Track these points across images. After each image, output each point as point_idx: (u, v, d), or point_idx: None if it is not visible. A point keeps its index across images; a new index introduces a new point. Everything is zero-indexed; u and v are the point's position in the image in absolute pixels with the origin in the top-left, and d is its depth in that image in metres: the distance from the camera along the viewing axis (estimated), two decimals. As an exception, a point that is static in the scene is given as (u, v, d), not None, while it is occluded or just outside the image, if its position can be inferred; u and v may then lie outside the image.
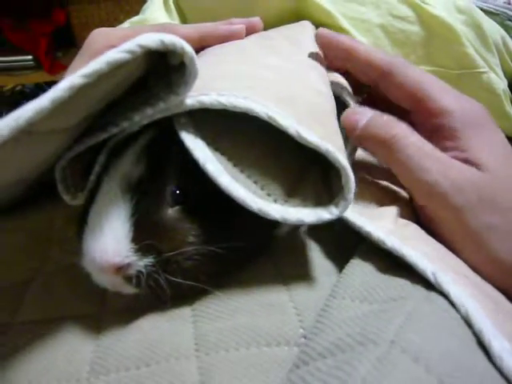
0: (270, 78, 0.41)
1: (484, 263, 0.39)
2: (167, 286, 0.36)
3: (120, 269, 0.35)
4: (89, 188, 0.40)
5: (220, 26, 0.57)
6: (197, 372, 0.31)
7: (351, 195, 0.35)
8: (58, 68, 2.15)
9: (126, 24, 0.76)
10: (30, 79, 2.25)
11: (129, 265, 0.35)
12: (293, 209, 0.36)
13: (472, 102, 0.46)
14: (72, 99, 0.29)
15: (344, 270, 0.37)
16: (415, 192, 0.42)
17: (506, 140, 0.45)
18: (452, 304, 0.31)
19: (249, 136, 0.38)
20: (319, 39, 0.53)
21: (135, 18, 0.77)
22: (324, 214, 0.36)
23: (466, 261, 0.39)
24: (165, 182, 0.38)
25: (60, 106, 0.29)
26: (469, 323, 0.30)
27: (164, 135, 0.38)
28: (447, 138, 0.44)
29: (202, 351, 0.32)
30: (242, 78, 0.40)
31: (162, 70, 0.36)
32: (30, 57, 2.17)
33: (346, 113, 0.45)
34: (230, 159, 0.36)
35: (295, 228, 0.44)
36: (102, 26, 0.59)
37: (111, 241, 0.35)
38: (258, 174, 0.37)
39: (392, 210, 0.41)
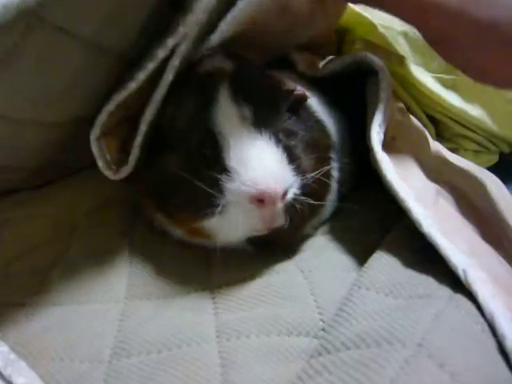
0: None
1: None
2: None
3: (284, 195, 0.35)
4: (134, 159, 0.39)
5: None
6: (218, 356, 0.31)
7: None
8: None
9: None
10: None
11: (287, 191, 0.35)
12: None
13: None
14: None
15: (369, 262, 0.37)
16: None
17: None
18: (476, 305, 0.31)
19: None
20: None
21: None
22: None
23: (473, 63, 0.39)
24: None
25: None
26: (493, 327, 0.30)
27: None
28: None
29: (223, 337, 0.33)
30: None
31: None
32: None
33: None
34: None
35: (315, 227, 0.45)
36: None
37: (278, 169, 0.35)
38: None
39: (432, 190, 0.41)
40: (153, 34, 0.36)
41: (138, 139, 0.38)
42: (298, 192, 0.35)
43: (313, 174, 0.36)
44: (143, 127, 0.38)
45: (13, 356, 0.32)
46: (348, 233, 0.43)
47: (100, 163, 0.39)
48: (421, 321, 0.29)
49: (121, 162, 0.40)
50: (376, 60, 0.48)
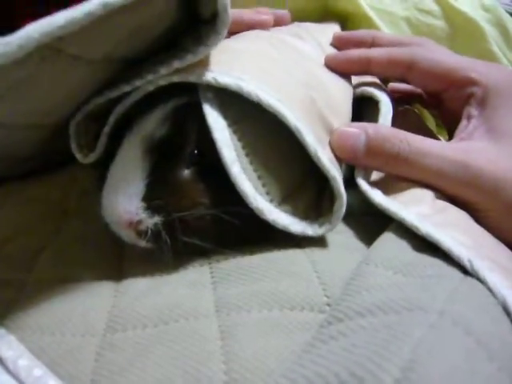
0: (294, 76, 0.42)
1: None
2: (177, 244, 0.36)
3: (132, 224, 0.36)
4: (102, 147, 0.40)
5: (247, 15, 0.55)
6: (217, 330, 0.30)
7: (338, 221, 0.37)
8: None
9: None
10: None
11: (139, 221, 0.36)
12: (284, 214, 0.37)
13: (501, 70, 0.46)
14: (101, 24, 0.28)
15: (376, 242, 0.36)
16: (440, 188, 0.41)
17: None
18: (489, 289, 0.30)
19: (265, 124, 0.37)
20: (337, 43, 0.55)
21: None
22: (308, 230, 0.37)
23: (505, 235, 0.39)
24: (185, 143, 0.38)
25: (90, 26, 0.28)
26: (507, 310, 0.29)
27: (192, 101, 0.37)
28: (476, 105, 0.44)
29: (223, 312, 0.31)
30: (270, 69, 0.40)
31: (192, 28, 0.36)
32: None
33: (336, 137, 0.41)
34: (244, 147, 0.37)
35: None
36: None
37: (124, 199, 0.36)
38: (264, 170, 0.37)
39: (429, 193, 0.40)
40: (160, 45, 0.38)
41: (106, 128, 0.39)
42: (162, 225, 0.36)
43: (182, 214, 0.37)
44: (112, 119, 0.39)
45: (1, 330, 0.31)
46: (351, 217, 0.42)
47: (73, 145, 0.40)
48: (438, 293, 0.28)
49: (94, 147, 0.41)
50: (379, 93, 0.48)
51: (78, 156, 0.41)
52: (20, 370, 0.28)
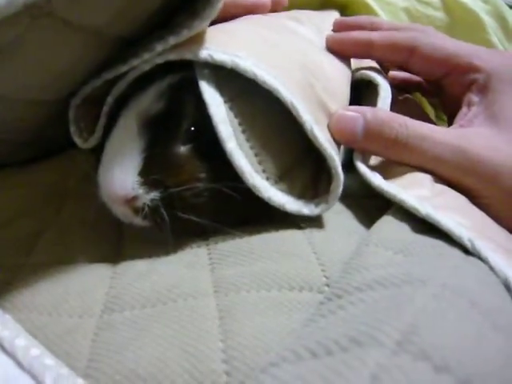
0: (292, 59, 0.41)
1: None
2: (174, 220, 0.36)
3: (128, 201, 0.36)
4: (101, 130, 0.40)
5: None
6: (216, 309, 0.30)
7: (335, 202, 0.37)
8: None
9: None
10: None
11: (135, 197, 0.36)
12: (280, 193, 0.37)
13: (504, 57, 0.46)
14: None
15: (376, 224, 0.36)
16: (439, 173, 0.41)
17: None
18: (491, 268, 0.30)
19: (262, 102, 0.37)
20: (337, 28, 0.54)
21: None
22: (304, 209, 0.37)
23: (504, 222, 0.39)
24: (181, 119, 0.38)
25: None
26: (509, 289, 0.29)
27: (188, 79, 0.37)
28: (478, 91, 0.44)
29: (221, 292, 0.31)
30: (267, 50, 0.40)
31: (187, 3, 0.36)
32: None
33: (334, 120, 0.41)
34: (240, 124, 0.37)
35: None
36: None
37: (119, 174, 0.36)
38: (260, 147, 0.37)
39: (428, 177, 0.40)
40: (155, 23, 0.38)
41: (105, 108, 0.39)
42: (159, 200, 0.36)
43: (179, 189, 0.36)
44: (110, 99, 0.39)
45: None
46: (351, 198, 0.42)
47: (72, 128, 0.40)
48: (440, 268, 0.28)
49: (93, 130, 0.41)
50: (379, 77, 0.48)
51: (78, 141, 0.41)
52: (17, 350, 0.28)
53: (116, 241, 0.40)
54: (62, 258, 0.37)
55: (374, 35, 0.49)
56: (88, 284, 0.34)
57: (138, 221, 0.37)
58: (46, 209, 0.45)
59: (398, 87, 0.58)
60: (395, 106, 0.51)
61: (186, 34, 0.34)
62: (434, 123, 0.56)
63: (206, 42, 0.36)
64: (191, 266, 0.35)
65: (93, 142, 0.41)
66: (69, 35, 0.32)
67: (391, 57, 0.50)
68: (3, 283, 0.34)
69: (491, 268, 0.29)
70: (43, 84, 0.38)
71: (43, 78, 0.37)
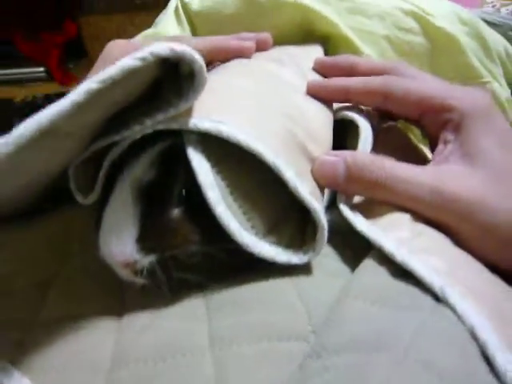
0: (274, 110, 0.44)
1: (493, 249, 0.42)
2: (171, 279, 0.39)
3: (127, 265, 0.39)
4: (99, 189, 0.43)
5: (231, 42, 0.58)
6: (211, 365, 0.33)
7: (321, 248, 0.40)
8: (70, 79, 2.18)
9: (139, 37, 0.78)
10: (42, 90, 2.26)
11: (135, 262, 0.39)
12: (269, 246, 0.40)
13: (476, 94, 0.48)
14: (88, 103, 0.32)
15: (357, 270, 0.38)
16: (418, 212, 0.44)
17: (510, 129, 0.47)
18: (459, 317, 0.32)
19: (246, 161, 0.40)
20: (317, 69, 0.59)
21: (148, 31, 0.80)
22: (293, 258, 0.40)
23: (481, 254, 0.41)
24: (173, 185, 0.41)
25: (78, 109, 0.31)
26: (474, 336, 0.31)
27: (177, 144, 0.40)
28: (452, 130, 0.46)
29: (216, 346, 0.34)
30: (248, 108, 0.43)
31: (174, 78, 0.39)
32: (41, 68, 2.19)
33: (317, 166, 0.44)
34: (228, 185, 0.39)
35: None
36: (112, 38, 0.61)
37: (118, 244, 0.39)
38: (248, 205, 0.40)
39: (407, 216, 0.43)
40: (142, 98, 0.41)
41: (102, 172, 0.42)
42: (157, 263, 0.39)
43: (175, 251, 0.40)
44: (106, 163, 0.41)
45: (16, 373, 0.34)
46: (338, 236, 0.44)
47: (72, 186, 0.43)
48: (406, 329, 0.30)
49: (92, 187, 0.43)
50: (358, 118, 0.51)
51: (78, 198, 0.44)
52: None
53: (119, 292, 0.43)
54: (71, 313, 0.40)
55: (349, 83, 0.52)
56: (96, 339, 0.37)
57: (139, 280, 0.40)
58: (53, 259, 0.48)
59: (382, 115, 0.60)
60: (379, 137, 0.54)
61: (172, 112, 0.37)
62: (419, 150, 0.59)
63: (191, 108, 0.39)
64: (189, 318, 0.38)
65: (92, 198, 0.44)
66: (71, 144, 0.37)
67: (367, 102, 0.53)
68: (17, 343, 0.37)
69: (459, 316, 0.32)
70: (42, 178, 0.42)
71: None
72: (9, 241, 0.49)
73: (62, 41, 2.20)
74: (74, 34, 2.21)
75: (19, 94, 2.41)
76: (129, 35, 0.82)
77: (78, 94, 0.31)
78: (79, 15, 2.20)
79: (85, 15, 2.20)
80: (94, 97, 0.32)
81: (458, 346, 0.30)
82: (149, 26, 0.84)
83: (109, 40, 0.60)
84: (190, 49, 0.35)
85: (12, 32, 2.20)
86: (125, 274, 0.40)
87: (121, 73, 0.32)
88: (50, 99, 2.39)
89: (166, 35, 0.77)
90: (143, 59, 0.33)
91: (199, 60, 0.35)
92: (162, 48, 0.34)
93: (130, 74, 0.33)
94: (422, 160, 0.54)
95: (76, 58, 2.29)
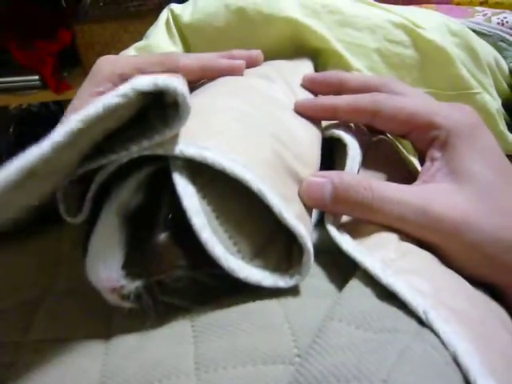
0: (261, 131, 0.45)
1: (479, 266, 0.43)
2: (158, 304, 0.39)
3: (114, 290, 0.39)
4: (87, 210, 0.43)
5: (221, 60, 0.58)
6: None
7: (307, 273, 0.40)
8: (64, 87, 2.17)
9: (131, 49, 0.79)
10: (37, 98, 2.27)
11: (121, 287, 0.39)
12: (256, 270, 0.40)
13: (463, 111, 0.48)
14: (68, 143, 0.32)
15: (342, 292, 0.39)
16: (403, 231, 0.44)
17: (497, 146, 0.47)
18: (442, 341, 0.33)
19: (233, 186, 0.40)
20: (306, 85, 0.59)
21: (139, 44, 0.80)
22: (279, 282, 0.40)
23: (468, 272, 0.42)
24: (159, 209, 0.41)
25: (58, 150, 0.31)
26: (456, 361, 0.31)
27: (163, 168, 0.40)
28: (439, 148, 0.47)
29: (202, 370, 0.34)
30: (235, 132, 0.43)
31: (160, 105, 0.39)
32: (36, 77, 2.18)
33: (304, 187, 0.45)
34: (213, 210, 0.39)
35: None
36: (106, 46, 0.61)
37: (105, 269, 0.39)
38: (234, 230, 0.40)
39: (394, 236, 0.43)
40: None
41: (89, 195, 0.42)
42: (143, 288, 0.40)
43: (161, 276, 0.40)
44: (93, 186, 0.42)
45: None
46: (326, 255, 0.44)
47: (61, 207, 0.43)
48: (387, 356, 0.31)
49: (81, 206, 0.44)
50: (346, 137, 0.51)
51: (67, 218, 0.44)
52: None
53: (107, 314, 0.42)
54: (59, 335, 0.40)
55: (337, 101, 0.52)
56: (83, 362, 0.37)
57: (126, 304, 0.40)
58: (42, 278, 0.48)
59: (372, 129, 0.60)
60: (369, 152, 0.54)
61: (157, 139, 0.37)
62: (408, 164, 0.59)
63: (176, 134, 0.39)
64: (176, 340, 0.38)
65: (80, 219, 0.44)
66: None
67: (355, 119, 0.53)
68: (6, 366, 0.37)
69: (442, 341, 0.32)
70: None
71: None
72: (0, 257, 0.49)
73: (56, 49, 2.20)
74: (68, 42, 2.21)
75: (14, 103, 2.41)
76: (123, 43, 0.82)
77: (58, 135, 0.31)
78: (74, 23, 2.20)
79: (79, 23, 2.20)
80: (74, 137, 0.32)
81: (440, 372, 0.30)
82: (143, 33, 0.84)
83: (103, 48, 0.60)
84: (172, 81, 0.35)
85: (7, 40, 2.20)
86: (112, 298, 0.40)
87: (102, 111, 0.32)
88: (45, 107, 2.40)
89: (157, 47, 0.78)
90: (126, 96, 0.33)
91: (183, 92, 0.35)
92: (145, 82, 0.34)
93: (111, 111, 0.33)
94: (411, 174, 0.54)
95: (70, 66, 2.29)
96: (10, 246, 0.51)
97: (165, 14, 0.81)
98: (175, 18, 0.79)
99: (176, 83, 0.35)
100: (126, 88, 0.33)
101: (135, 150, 0.38)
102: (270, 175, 0.40)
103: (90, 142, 0.39)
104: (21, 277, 0.48)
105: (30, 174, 0.31)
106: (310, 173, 0.46)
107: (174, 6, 0.80)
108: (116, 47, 2.11)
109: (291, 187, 0.43)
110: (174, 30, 0.78)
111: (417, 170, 0.58)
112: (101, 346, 0.39)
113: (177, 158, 0.39)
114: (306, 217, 0.42)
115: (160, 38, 0.79)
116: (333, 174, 0.45)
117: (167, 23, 0.80)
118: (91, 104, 0.32)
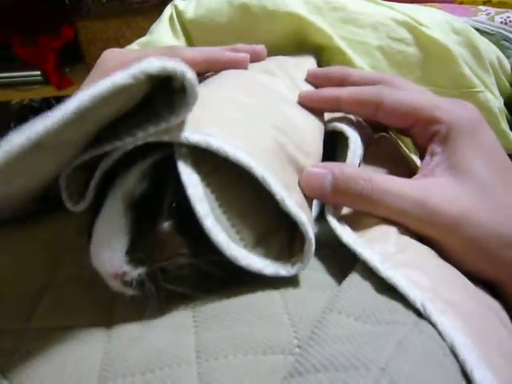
0: (264, 121, 0.45)
1: (477, 262, 0.43)
2: (160, 291, 0.40)
3: (117, 276, 0.39)
4: (90, 198, 0.43)
5: (226, 53, 0.59)
6: (197, 377, 0.33)
7: (309, 261, 0.40)
8: (66, 83, 2.18)
9: (134, 45, 0.79)
10: (38, 94, 2.27)
11: (124, 273, 0.39)
12: (257, 258, 0.40)
13: (465, 107, 0.48)
14: (76, 120, 0.32)
15: (342, 285, 0.39)
16: (402, 224, 0.44)
17: (497, 142, 0.47)
18: (440, 333, 0.33)
19: (236, 174, 0.40)
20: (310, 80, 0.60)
21: (143, 39, 0.80)
22: (281, 271, 0.40)
23: (466, 267, 0.42)
24: (164, 197, 0.41)
25: (65, 126, 0.31)
26: (454, 353, 0.32)
27: (169, 156, 0.40)
28: (440, 142, 0.47)
29: (203, 358, 0.34)
30: (239, 121, 0.43)
31: (167, 91, 0.39)
32: (38, 72, 2.19)
33: (304, 177, 0.45)
34: (217, 198, 0.40)
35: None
36: (109, 43, 0.62)
37: (108, 255, 0.40)
38: (237, 218, 0.40)
39: (393, 229, 0.43)
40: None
41: (93, 182, 0.42)
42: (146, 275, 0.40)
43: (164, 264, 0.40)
44: (98, 173, 0.42)
45: (4, 383, 0.34)
46: (327, 247, 0.45)
47: (64, 195, 0.43)
48: (385, 346, 0.31)
49: (84, 193, 0.44)
50: (348, 130, 0.52)
51: (69, 205, 0.44)
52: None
53: (110, 302, 0.43)
54: (61, 323, 0.40)
55: (341, 92, 0.53)
56: (85, 350, 0.37)
57: (128, 291, 0.40)
58: (44, 267, 0.48)
59: (374, 126, 0.61)
60: (370, 147, 0.54)
61: (163, 125, 0.37)
62: (408, 160, 0.60)
63: (182, 122, 0.39)
64: (177, 329, 0.38)
65: (83, 206, 0.44)
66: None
67: (358, 111, 0.53)
68: (9, 352, 0.37)
69: (440, 333, 0.33)
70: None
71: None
72: (1, 247, 0.50)
73: (58, 45, 2.20)
74: (71, 38, 2.21)
75: (16, 98, 2.42)
76: (126, 39, 0.83)
77: (66, 110, 0.31)
78: (77, 19, 2.21)
79: (82, 19, 2.20)
80: (82, 114, 0.32)
81: (437, 362, 0.30)
82: (146, 29, 0.84)
83: (106, 44, 0.61)
84: (181, 65, 0.35)
85: (9, 36, 2.20)
86: (114, 284, 0.40)
87: (111, 90, 0.32)
88: (47, 103, 2.40)
89: (160, 43, 0.78)
90: (134, 77, 0.33)
91: (191, 77, 0.35)
92: (154, 65, 0.34)
93: (119, 91, 0.33)
94: (412, 171, 0.54)
95: (72, 62, 2.29)
96: (15, 233, 0.52)
97: (168, 10, 0.82)
98: (179, 13, 0.79)
99: (184, 67, 0.35)
100: (135, 69, 0.33)
101: (141, 136, 0.38)
102: (272, 163, 0.41)
103: (96, 126, 0.39)
104: (25, 264, 0.48)
105: (37, 146, 0.31)
106: (312, 163, 0.46)
107: (178, 2, 0.80)
108: (119, 43, 2.11)
109: (292, 176, 0.43)
110: (178, 26, 0.79)
111: (417, 167, 0.58)
112: (103, 334, 0.39)
113: (181, 146, 0.39)
114: (306, 206, 0.42)
115: (163, 34, 0.79)
116: (333, 166, 0.45)
117: (171, 19, 0.80)
118: (100, 82, 0.32)
